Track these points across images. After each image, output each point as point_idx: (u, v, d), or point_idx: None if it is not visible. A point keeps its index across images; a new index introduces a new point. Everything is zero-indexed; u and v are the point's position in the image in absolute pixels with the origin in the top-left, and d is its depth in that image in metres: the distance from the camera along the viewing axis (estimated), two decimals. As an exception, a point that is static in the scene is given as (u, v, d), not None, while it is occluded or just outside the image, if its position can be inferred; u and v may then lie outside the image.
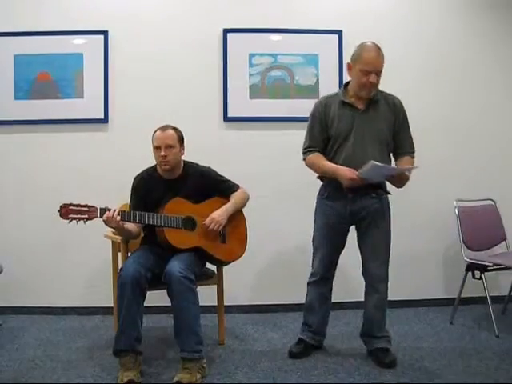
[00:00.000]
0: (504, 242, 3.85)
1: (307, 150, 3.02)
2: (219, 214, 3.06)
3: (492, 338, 3.34)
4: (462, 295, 3.67)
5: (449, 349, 3.18)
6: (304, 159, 3.04)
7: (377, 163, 2.73)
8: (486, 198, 3.92)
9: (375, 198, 2.96)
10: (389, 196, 3.04)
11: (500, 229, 3.86)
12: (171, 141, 3.01)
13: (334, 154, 2.96)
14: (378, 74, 2.89)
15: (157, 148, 3.01)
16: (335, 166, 2.90)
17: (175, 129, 3.07)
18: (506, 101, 4.17)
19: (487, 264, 3.46)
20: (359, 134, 2.92)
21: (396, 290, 3.87)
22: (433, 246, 4.10)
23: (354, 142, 2.91)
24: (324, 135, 2.98)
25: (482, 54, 4.14)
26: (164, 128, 3.04)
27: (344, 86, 3.05)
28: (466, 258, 3.59)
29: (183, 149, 3.10)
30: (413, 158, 3.03)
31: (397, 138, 3.00)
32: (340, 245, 3.08)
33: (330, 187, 2.99)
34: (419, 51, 4.09)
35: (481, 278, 3.47)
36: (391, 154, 3.06)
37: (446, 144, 4.11)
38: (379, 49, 2.90)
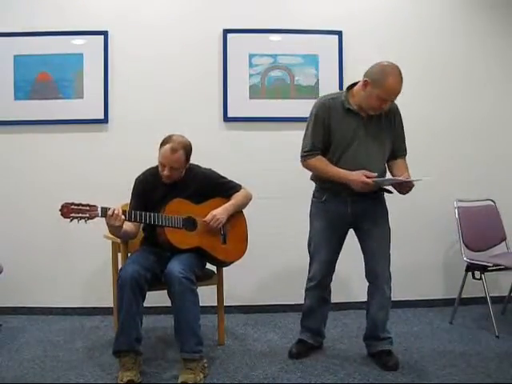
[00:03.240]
0: (504, 243, 3.85)
1: (308, 153, 2.91)
2: (220, 212, 3.05)
3: (492, 338, 3.34)
4: (462, 295, 3.67)
5: (449, 349, 3.18)
6: (304, 161, 2.95)
7: (392, 178, 2.87)
8: (485, 199, 3.93)
9: (374, 199, 2.96)
10: (388, 195, 3.02)
11: (500, 229, 3.86)
12: (177, 164, 2.95)
13: (337, 160, 2.88)
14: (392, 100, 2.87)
15: (162, 165, 2.96)
16: (345, 171, 2.83)
17: (185, 148, 2.96)
18: (506, 102, 4.17)
19: (487, 264, 3.46)
20: (362, 141, 2.87)
21: (396, 291, 3.86)
22: (433, 247, 4.10)
23: (357, 149, 2.87)
24: (326, 138, 2.88)
25: (483, 53, 4.14)
26: (174, 150, 2.90)
27: (347, 89, 2.95)
28: (465, 259, 3.59)
29: (189, 160, 3.05)
30: (404, 158, 3.05)
31: (394, 142, 2.99)
32: (339, 247, 3.06)
33: (329, 191, 2.95)
34: (420, 52, 4.08)
35: (481, 279, 3.47)
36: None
37: (447, 144, 4.11)
38: (401, 74, 2.80)
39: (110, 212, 2.77)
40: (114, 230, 2.90)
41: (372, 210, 2.95)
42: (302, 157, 2.96)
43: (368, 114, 2.88)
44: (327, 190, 2.96)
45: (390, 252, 3.01)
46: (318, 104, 2.93)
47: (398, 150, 3.01)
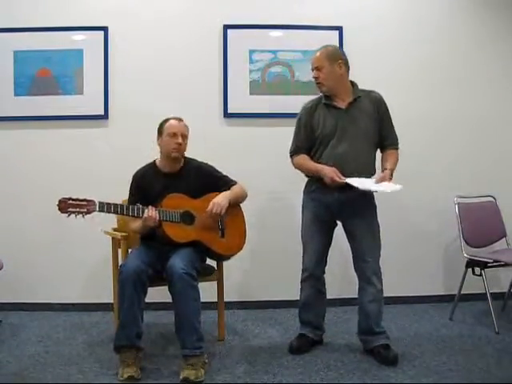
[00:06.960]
0: (504, 239, 3.85)
1: (294, 153, 3.13)
2: (220, 199, 3.07)
3: (492, 334, 3.34)
4: (462, 292, 3.67)
5: (448, 345, 3.18)
6: (291, 161, 3.15)
7: (363, 187, 2.84)
8: (486, 195, 3.92)
9: (360, 194, 2.94)
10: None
11: (500, 225, 3.86)
12: (186, 131, 3.12)
13: (320, 153, 3.03)
14: (319, 69, 3.00)
15: (173, 135, 3.05)
16: (320, 165, 2.99)
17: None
18: (506, 98, 4.17)
19: (487, 260, 3.46)
20: (343, 132, 2.98)
21: (396, 287, 3.91)
22: (433, 243, 4.10)
23: (338, 140, 2.99)
24: (309, 138, 3.07)
25: (482, 51, 4.13)
26: (179, 119, 3.12)
27: None
28: (466, 255, 3.59)
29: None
30: (396, 149, 3.08)
31: (381, 132, 3.05)
32: (329, 240, 3.12)
33: (318, 182, 3.03)
34: (419, 48, 4.07)
35: (481, 275, 3.46)
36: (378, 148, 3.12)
37: (447, 140, 4.11)
38: (321, 48, 3.05)
39: (145, 213, 2.85)
40: (145, 229, 2.97)
41: (358, 204, 2.99)
42: (290, 157, 3.17)
43: (347, 105, 3.00)
44: (316, 181, 3.04)
45: (382, 246, 3.04)
46: (302, 108, 3.14)
47: (385, 140, 3.07)
